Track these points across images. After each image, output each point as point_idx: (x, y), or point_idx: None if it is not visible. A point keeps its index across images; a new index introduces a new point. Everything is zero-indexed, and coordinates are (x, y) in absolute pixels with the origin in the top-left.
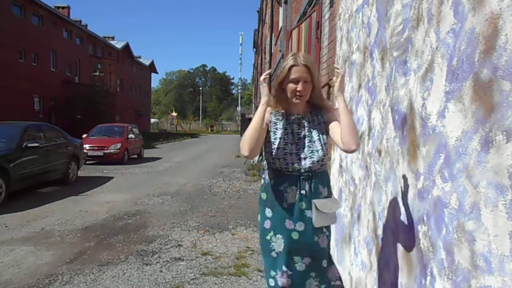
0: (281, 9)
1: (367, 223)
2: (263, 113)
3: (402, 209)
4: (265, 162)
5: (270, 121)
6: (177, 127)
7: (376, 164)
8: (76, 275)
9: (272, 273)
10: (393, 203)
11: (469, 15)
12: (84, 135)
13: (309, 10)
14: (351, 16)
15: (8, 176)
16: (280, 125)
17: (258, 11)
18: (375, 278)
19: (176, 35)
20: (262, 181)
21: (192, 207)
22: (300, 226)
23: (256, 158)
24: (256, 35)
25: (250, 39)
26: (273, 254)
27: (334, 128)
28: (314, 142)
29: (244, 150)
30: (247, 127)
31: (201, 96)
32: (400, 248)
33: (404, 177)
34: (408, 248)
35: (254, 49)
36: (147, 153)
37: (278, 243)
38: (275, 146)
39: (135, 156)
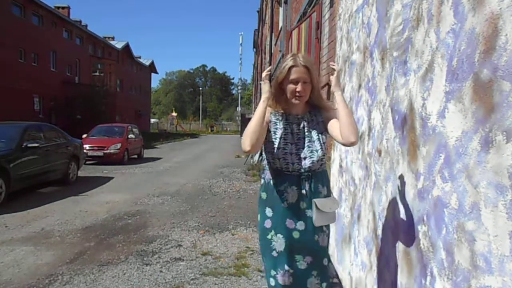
0: (281, 9)
1: (367, 223)
2: (264, 109)
3: (402, 209)
4: (265, 162)
5: (271, 121)
6: (177, 127)
7: (376, 164)
8: (76, 275)
9: (273, 272)
10: (393, 203)
11: (469, 15)
12: (84, 135)
13: (309, 10)
14: (351, 16)
15: (8, 176)
16: (280, 125)
17: (258, 11)
18: (375, 278)
19: (176, 35)
20: (262, 180)
21: (192, 207)
22: (300, 225)
23: (256, 158)
24: (256, 35)
25: (250, 39)
26: (274, 253)
27: (333, 125)
28: (314, 142)
29: (246, 145)
30: (244, 131)
31: (201, 96)
32: (400, 248)
33: (404, 177)
34: (408, 248)
35: (254, 49)
36: (147, 153)
37: (279, 243)
38: (275, 146)
39: (135, 156)
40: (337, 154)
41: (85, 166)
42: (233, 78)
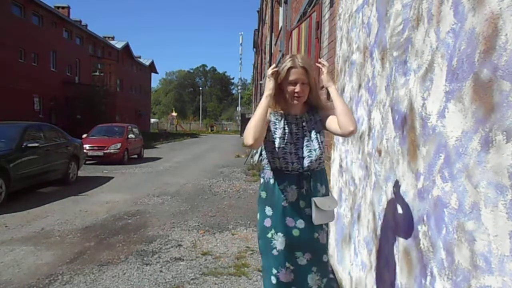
0: (281, 9)
1: (367, 223)
2: (266, 104)
3: (402, 209)
4: (265, 162)
5: (270, 121)
6: (177, 127)
7: (376, 164)
8: (76, 275)
9: (274, 270)
10: (393, 203)
11: (469, 15)
12: (84, 135)
13: (309, 10)
14: (351, 16)
15: (8, 176)
16: (279, 124)
17: (258, 11)
18: (375, 278)
19: (176, 35)
20: (262, 180)
21: (192, 207)
22: (300, 224)
23: (256, 158)
24: (256, 35)
25: (250, 39)
26: (274, 252)
27: (331, 120)
28: (312, 141)
29: (249, 139)
30: (246, 127)
31: (201, 96)
32: (400, 248)
33: (404, 177)
34: (408, 248)
35: (254, 49)
36: (147, 153)
37: (280, 241)
38: (275, 145)
39: (135, 156)
40: (337, 154)
41: (85, 166)
42: (233, 78)
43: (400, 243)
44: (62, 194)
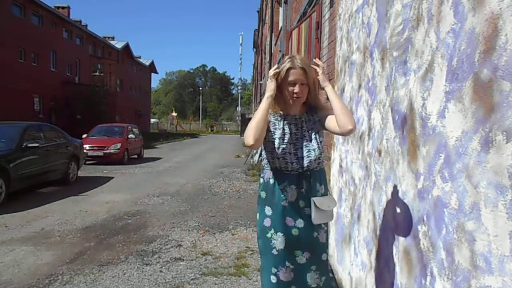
0: (281, 9)
1: (367, 223)
2: (268, 105)
3: (402, 209)
4: (264, 162)
5: (270, 121)
6: (177, 127)
7: (376, 164)
8: (76, 275)
9: (274, 270)
10: (393, 203)
11: (469, 15)
12: (84, 135)
13: (309, 10)
14: (351, 16)
15: (8, 176)
16: (278, 125)
17: (258, 11)
18: (375, 278)
19: (176, 35)
20: (261, 180)
21: (192, 207)
22: (300, 223)
23: (256, 158)
24: (256, 35)
25: (250, 39)
26: (274, 251)
27: (330, 119)
28: (311, 141)
29: (250, 139)
30: (247, 127)
31: (201, 96)
32: (400, 248)
33: (404, 177)
34: (408, 248)
35: (254, 49)
36: (147, 153)
37: (279, 241)
38: (275, 146)
39: (135, 156)
40: (337, 154)
41: (85, 166)
42: (233, 78)
43: (400, 243)
44: (62, 194)
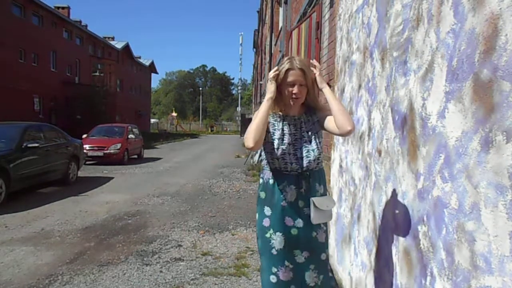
0: (281, 9)
1: (367, 223)
2: (268, 107)
3: (402, 209)
4: (264, 162)
5: (269, 122)
6: (177, 127)
7: (376, 164)
8: (76, 275)
9: (274, 269)
10: (393, 203)
11: (469, 15)
12: (84, 135)
13: (309, 10)
14: (351, 17)
15: (8, 176)
16: (278, 126)
17: (258, 11)
18: (375, 278)
19: (176, 35)
20: (261, 180)
21: (192, 207)
22: (299, 223)
23: (256, 158)
24: (256, 35)
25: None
26: (273, 251)
27: (329, 120)
28: (310, 142)
29: (250, 142)
30: (247, 127)
31: (201, 96)
32: (400, 248)
33: (404, 177)
34: (408, 248)
35: (254, 49)
36: (147, 153)
37: (279, 241)
38: (274, 146)
39: (135, 156)
40: (337, 154)
41: (85, 166)
42: (233, 78)
43: (400, 243)
44: (62, 195)
